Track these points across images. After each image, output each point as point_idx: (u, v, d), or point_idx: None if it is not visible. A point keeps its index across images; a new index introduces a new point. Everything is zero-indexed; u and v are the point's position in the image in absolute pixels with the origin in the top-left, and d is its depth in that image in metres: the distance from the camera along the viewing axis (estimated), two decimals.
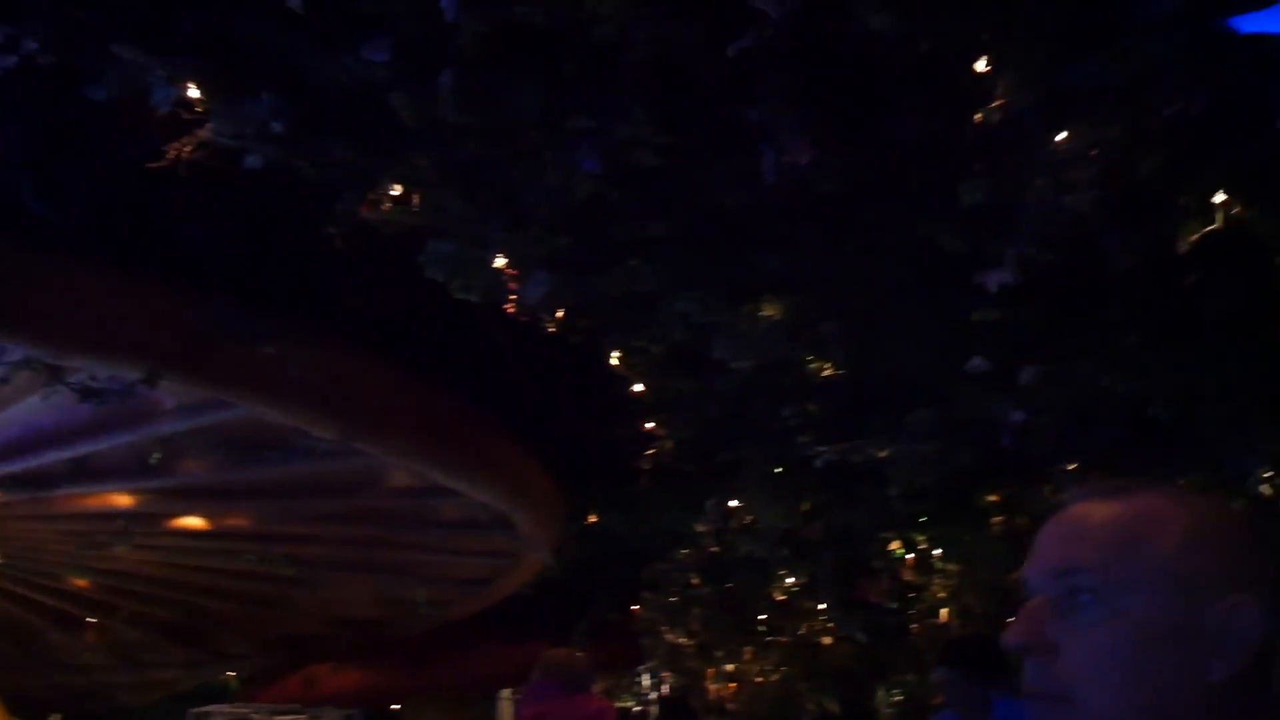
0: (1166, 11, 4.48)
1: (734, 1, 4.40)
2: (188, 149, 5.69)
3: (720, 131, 4.99)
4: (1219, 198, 5.24)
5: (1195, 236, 5.26)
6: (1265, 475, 6.47)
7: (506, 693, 19.98)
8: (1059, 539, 1.24)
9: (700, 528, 10.65)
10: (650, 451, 9.20)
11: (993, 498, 8.30)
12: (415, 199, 5.82)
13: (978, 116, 4.69)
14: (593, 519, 12.01)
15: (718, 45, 4.58)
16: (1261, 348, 6.06)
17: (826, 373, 6.85)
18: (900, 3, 4.16)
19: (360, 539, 12.60)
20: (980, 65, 4.62)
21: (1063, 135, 4.67)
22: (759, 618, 12.78)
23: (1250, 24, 5.21)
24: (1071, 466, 7.24)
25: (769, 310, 6.06)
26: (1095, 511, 1.23)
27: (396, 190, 5.84)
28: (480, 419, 9.79)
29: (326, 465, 9.55)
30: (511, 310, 6.35)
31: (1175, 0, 4.48)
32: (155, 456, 9.37)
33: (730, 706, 14.33)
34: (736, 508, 9.81)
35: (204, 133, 5.57)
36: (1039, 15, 4.42)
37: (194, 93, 5.39)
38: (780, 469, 8.53)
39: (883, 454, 7.48)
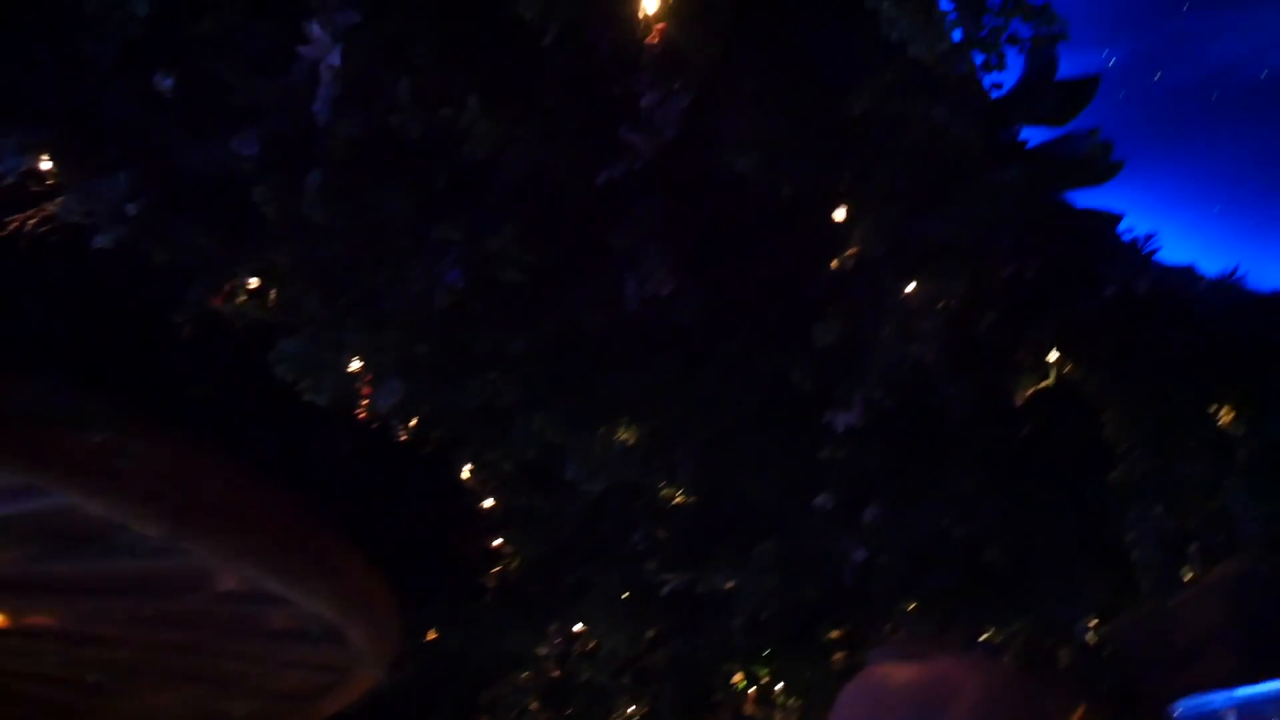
0: (1008, 180, 4.81)
1: (606, 132, 4.53)
2: (31, 221, 5.46)
3: (586, 255, 5.06)
4: (1052, 355, 5.56)
5: (1030, 390, 5.56)
6: (1091, 624, 6.73)
7: None
8: (857, 704, 1.24)
9: (542, 651, 10.40)
10: (496, 569, 9.01)
11: (834, 633, 8.37)
12: (272, 294, 5.69)
13: (833, 262, 4.91)
14: (432, 636, 11.60)
15: (588, 172, 4.69)
16: (1089, 500, 6.37)
17: (677, 500, 6.87)
18: (765, 149, 4.35)
19: (179, 644, 11.81)
20: (838, 214, 4.86)
21: (911, 287, 4.92)
22: None
23: (1083, 199, 5.64)
24: (910, 605, 7.38)
25: (624, 434, 6.08)
26: (894, 676, 1.24)
27: (253, 283, 5.70)
28: (320, 525, 9.40)
29: (149, 563, 8.98)
30: (362, 415, 6.19)
31: (1016, 170, 4.82)
32: None
33: None
34: (580, 632, 9.63)
35: (52, 207, 5.36)
36: (893, 173, 4.69)
37: (46, 165, 5.20)
38: (626, 594, 8.45)
39: (728, 584, 7.49)
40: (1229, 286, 8.25)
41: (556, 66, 4.63)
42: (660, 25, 4.55)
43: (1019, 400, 5.19)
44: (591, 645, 9.57)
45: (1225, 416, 6.70)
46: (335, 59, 4.14)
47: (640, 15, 4.44)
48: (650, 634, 8.85)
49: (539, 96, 4.68)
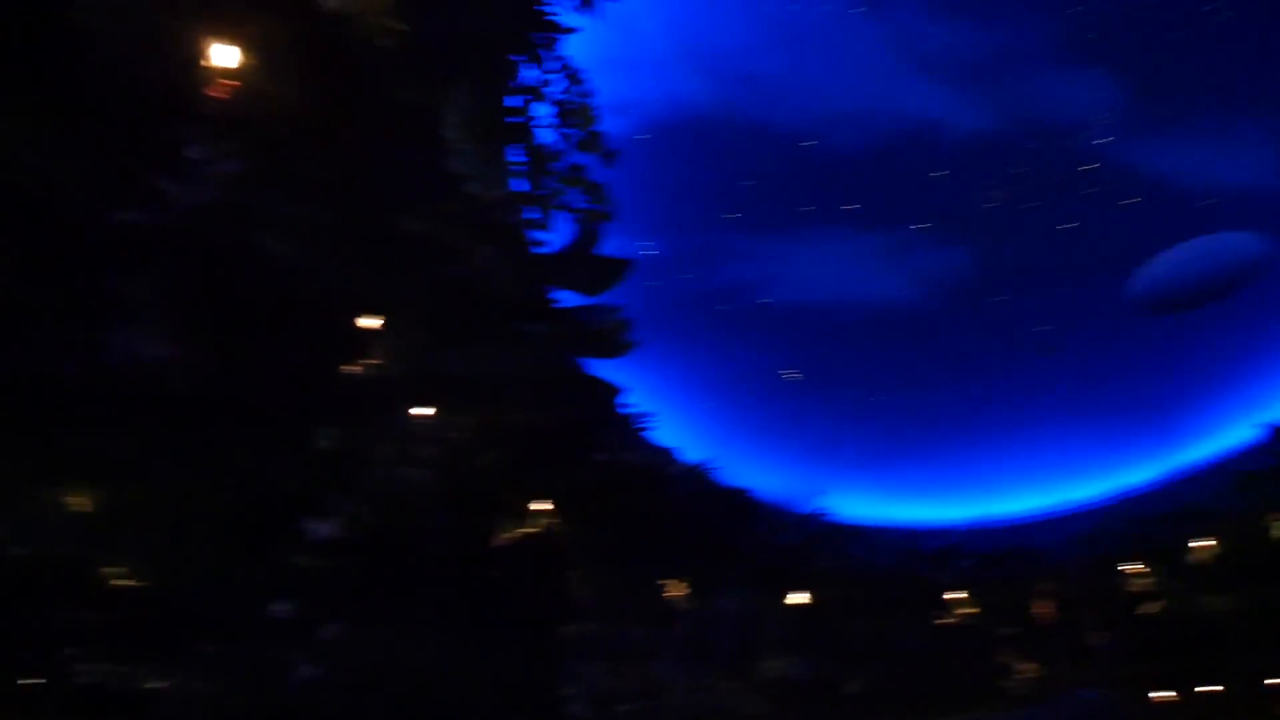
0: (534, 333, 5.08)
1: (141, 173, 4.15)
2: None
3: (79, 294, 4.52)
4: (539, 506, 5.84)
5: (511, 535, 5.77)
6: None
7: None
8: None
9: None
10: None
11: None
12: None
13: (350, 368, 4.82)
14: None
15: (109, 207, 4.25)
16: (542, 649, 6.62)
17: (120, 582, 6.18)
18: (305, 239, 4.22)
19: None
20: (366, 323, 4.81)
21: (420, 411, 4.96)
22: None
23: (596, 367, 6.09)
24: None
25: (75, 500, 5.41)
26: None
27: None
28: None
29: None
30: None
31: (543, 327, 5.11)
32: None
33: None
34: None
35: None
36: (430, 298, 4.75)
37: None
38: (30, 681, 7.35)
39: (158, 684, 6.81)
40: (700, 475, 9.28)
41: (104, 86, 4.20)
42: (232, 83, 4.31)
43: (498, 542, 5.37)
44: None
45: (673, 590, 7.38)
46: None
47: (211, 64, 4.19)
48: None
49: (74, 110, 4.21)
